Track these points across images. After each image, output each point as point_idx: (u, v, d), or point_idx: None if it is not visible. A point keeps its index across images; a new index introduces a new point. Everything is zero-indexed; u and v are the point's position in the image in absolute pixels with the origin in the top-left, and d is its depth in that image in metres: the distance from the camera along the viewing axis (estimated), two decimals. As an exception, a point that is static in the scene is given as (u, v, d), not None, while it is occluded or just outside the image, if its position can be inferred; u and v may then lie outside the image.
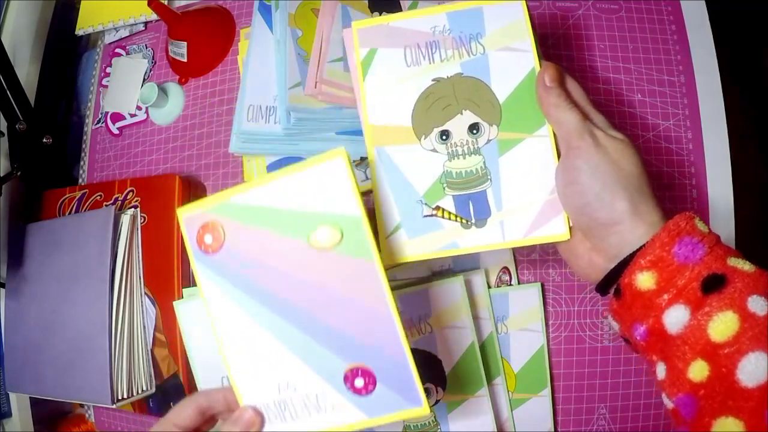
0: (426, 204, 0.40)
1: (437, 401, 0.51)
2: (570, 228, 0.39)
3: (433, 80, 0.41)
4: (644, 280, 0.32)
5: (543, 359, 0.52)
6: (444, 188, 0.40)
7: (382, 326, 0.35)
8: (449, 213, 0.40)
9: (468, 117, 0.41)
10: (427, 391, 0.43)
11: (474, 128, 0.40)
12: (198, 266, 0.39)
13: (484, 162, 0.40)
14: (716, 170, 0.54)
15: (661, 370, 0.33)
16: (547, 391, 0.52)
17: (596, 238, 0.37)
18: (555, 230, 0.39)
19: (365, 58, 0.42)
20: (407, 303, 0.50)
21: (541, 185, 0.39)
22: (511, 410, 0.51)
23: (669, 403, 0.33)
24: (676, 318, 0.31)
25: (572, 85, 0.39)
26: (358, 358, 0.36)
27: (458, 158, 0.40)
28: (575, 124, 0.37)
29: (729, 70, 0.59)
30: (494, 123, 0.40)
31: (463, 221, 0.40)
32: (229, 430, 0.38)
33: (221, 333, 0.39)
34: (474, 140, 0.40)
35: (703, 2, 0.57)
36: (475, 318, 0.51)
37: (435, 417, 0.51)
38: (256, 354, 0.38)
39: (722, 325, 0.30)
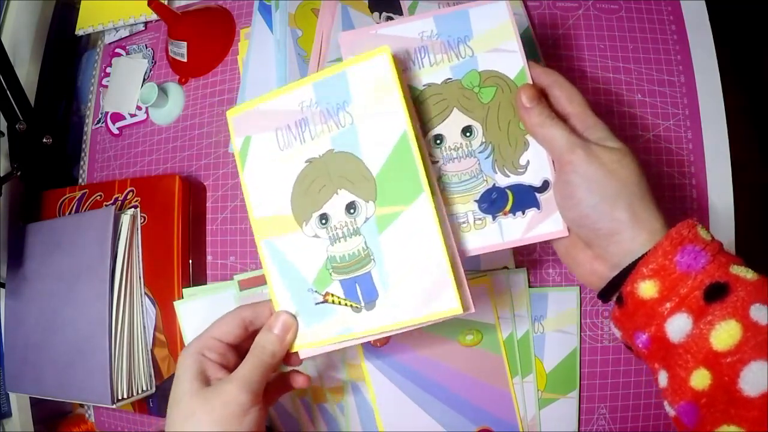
0: (316, 291, 0.39)
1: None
2: (462, 302, 0.36)
3: (306, 161, 0.39)
4: (646, 288, 0.32)
5: (575, 361, 0.52)
6: (330, 273, 0.39)
7: (503, 401, 0.51)
8: (338, 299, 0.38)
9: (344, 196, 0.39)
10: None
11: (351, 207, 0.38)
12: (366, 356, 0.52)
13: (365, 242, 0.38)
14: (716, 170, 0.54)
15: (663, 378, 0.33)
16: (576, 393, 0.52)
17: (598, 248, 0.36)
18: (446, 306, 0.36)
19: (242, 149, 0.41)
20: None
21: (428, 258, 0.36)
22: (539, 409, 0.52)
23: (671, 411, 0.33)
24: (678, 327, 0.31)
25: (570, 92, 0.39)
26: (484, 422, 0.51)
27: (339, 241, 0.39)
28: (563, 140, 0.36)
29: (729, 70, 0.59)
30: (370, 199, 0.38)
31: (354, 305, 0.38)
32: (265, 337, 0.38)
33: (379, 404, 0.52)
34: (352, 220, 0.38)
35: (703, 2, 0.57)
36: (514, 315, 0.52)
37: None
38: (405, 418, 0.51)
39: (724, 334, 0.30)
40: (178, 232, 0.56)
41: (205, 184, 0.61)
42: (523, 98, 0.38)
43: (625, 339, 0.36)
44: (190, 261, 0.57)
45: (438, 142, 0.40)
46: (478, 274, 0.52)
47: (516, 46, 0.40)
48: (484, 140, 0.40)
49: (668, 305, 0.32)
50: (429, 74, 0.41)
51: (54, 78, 0.71)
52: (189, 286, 0.56)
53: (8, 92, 0.60)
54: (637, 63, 0.55)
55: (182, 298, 0.55)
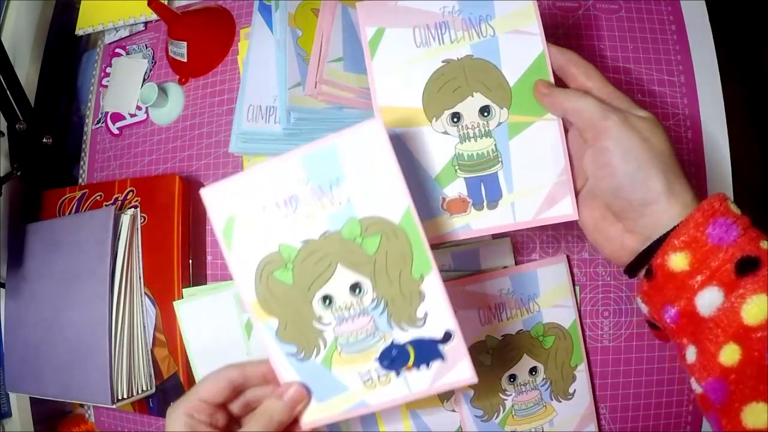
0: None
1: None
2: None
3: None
4: (677, 260, 0.32)
5: (576, 334, 0.51)
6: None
7: None
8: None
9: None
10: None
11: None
12: None
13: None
14: (716, 170, 0.54)
15: (691, 354, 0.32)
16: (584, 366, 0.51)
17: (630, 220, 0.36)
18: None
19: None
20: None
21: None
22: None
23: (698, 388, 0.32)
24: (709, 300, 0.31)
25: (587, 68, 0.39)
26: None
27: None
28: (594, 108, 0.36)
29: (729, 70, 0.59)
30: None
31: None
32: (271, 406, 0.35)
33: None
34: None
35: (703, 2, 0.57)
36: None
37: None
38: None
39: (756, 308, 0.29)
40: (178, 232, 0.56)
41: (205, 184, 0.61)
42: (540, 88, 0.39)
43: (652, 315, 0.35)
44: (190, 261, 0.57)
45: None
46: (478, 274, 0.52)
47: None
48: (375, 296, 0.36)
49: (699, 278, 0.31)
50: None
51: (54, 78, 0.71)
52: (189, 286, 0.56)
53: (8, 92, 0.60)
54: (637, 63, 0.55)
55: (182, 298, 0.55)
